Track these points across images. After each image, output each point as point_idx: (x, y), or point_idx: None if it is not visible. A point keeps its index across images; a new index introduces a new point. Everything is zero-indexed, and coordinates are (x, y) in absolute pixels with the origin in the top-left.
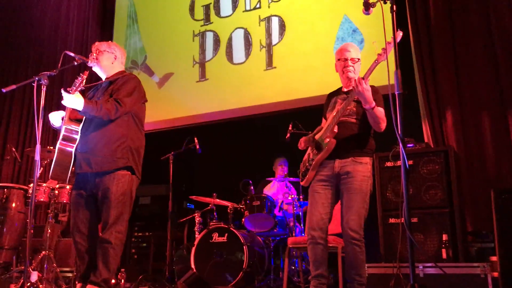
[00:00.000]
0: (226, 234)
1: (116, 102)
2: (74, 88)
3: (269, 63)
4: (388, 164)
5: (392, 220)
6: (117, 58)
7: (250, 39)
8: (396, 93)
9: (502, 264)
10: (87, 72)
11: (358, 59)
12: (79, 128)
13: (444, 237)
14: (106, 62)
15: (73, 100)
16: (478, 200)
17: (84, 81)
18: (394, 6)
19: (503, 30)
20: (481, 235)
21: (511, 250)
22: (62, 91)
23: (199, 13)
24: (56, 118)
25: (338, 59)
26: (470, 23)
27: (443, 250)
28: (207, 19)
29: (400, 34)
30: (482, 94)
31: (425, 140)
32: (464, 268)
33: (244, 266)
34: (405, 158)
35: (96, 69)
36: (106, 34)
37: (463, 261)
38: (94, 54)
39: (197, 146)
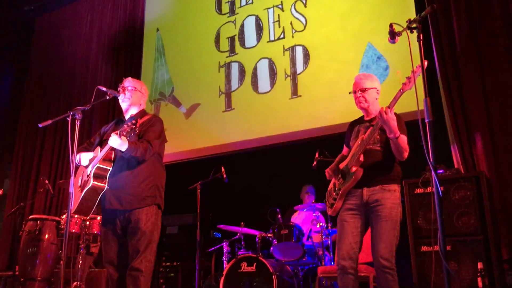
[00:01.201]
0: (255, 264)
1: (149, 143)
2: (125, 133)
3: (294, 92)
4: (418, 190)
5: (424, 248)
6: (145, 98)
7: (275, 69)
8: (427, 120)
9: None
10: (140, 121)
11: (373, 87)
12: (109, 167)
13: (479, 265)
14: (136, 100)
15: (121, 142)
16: None
17: (137, 129)
18: (421, 35)
19: None
20: None
21: None
22: (113, 134)
23: (224, 44)
24: (86, 158)
25: (352, 91)
26: (497, 47)
27: (479, 279)
28: (232, 50)
29: (425, 63)
30: None
31: (455, 166)
32: None
33: None
34: (438, 186)
35: (124, 104)
36: (134, 68)
37: None
38: (127, 92)
39: (224, 175)
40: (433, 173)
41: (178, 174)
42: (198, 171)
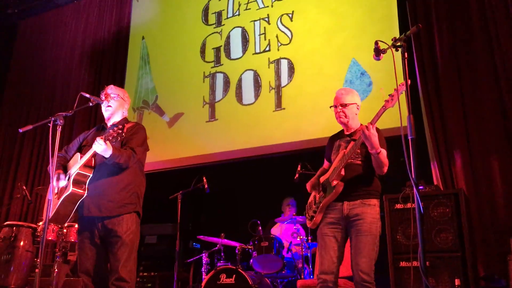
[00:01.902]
0: (234, 276)
1: (132, 151)
2: (111, 138)
3: (278, 104)
4: (398, 206)
5: (403, 264)
6: (127, 106)
7: (260, 81)
8: (410, 137)
9: None
10: (126, 126)
11: (353, 103)
12: (89, 174)
13: (457, 281)
14: (118, 108)
15: (105, 148)
16: (489, 244)
17: (124, 134)
18: (406, 54)
19: (509, 73)
20: (493, 280)
21: None
22: (98, 139)
23: (210, 55)
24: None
25: (333, 105)
26: (476, 66)
27: None
28: (217, 61)
29: (409, 82)
30: (490, 136)
31: (435, 183)
32: None
33: None
34: (420, 203)
35: (107, 112)
36: (118, 75)
37: None
38: (110, 99)
39: (206, 186)
40: (415, 189)
41: (159, 183)
42: (179, 181)
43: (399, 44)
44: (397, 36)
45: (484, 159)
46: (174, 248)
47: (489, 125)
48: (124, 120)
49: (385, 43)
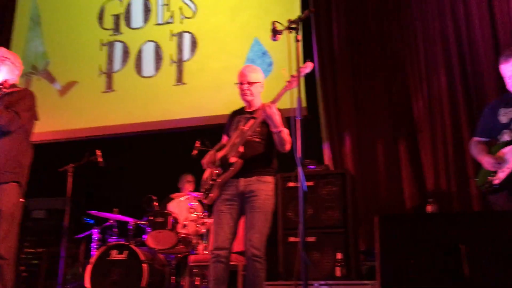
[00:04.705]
0: (126, 252)
1: (16, 114)
2: None
3: (179, 79)
4: (291, 184)
5: (291, 239)
6: (18, 73)
7: (161, 53)
8: (297, 118)
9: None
10: (7, 90)
11: (257, 81)
12: None
13: (338, 255)
14: (8, 74)
15: None
16: (371, 221)
17: (5, 89)
18: (298, 36)
19: (398, 63)
20: (372, 254)
21: (392, 275)
22: None
23: (109, 22)
24: None
25: (238, 82)
26: (369, 54)
27: (337, 268)
28: (116, 29)
29: (310, 65)
30: (377, 121)
31: (326, 163)
32: (355, 285)
33: (142, 285)
34: (304, 181)
35: None
36: (3, 36)
37: (355, 279)
38: None
39: (100, 159)
40: (299, 168)
41: (48, 155)
42: (71, 154)
43: (293, 26)
44: None
45: (371, 143)
46: (63, 223)
47: (377, 112)
48: (12, 86)
49: (282, 24)
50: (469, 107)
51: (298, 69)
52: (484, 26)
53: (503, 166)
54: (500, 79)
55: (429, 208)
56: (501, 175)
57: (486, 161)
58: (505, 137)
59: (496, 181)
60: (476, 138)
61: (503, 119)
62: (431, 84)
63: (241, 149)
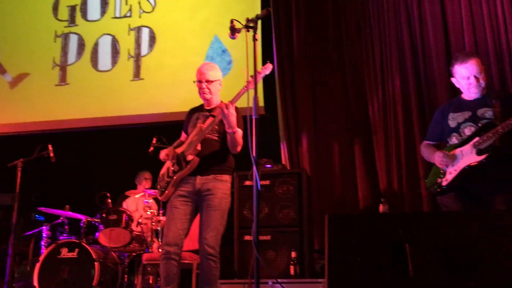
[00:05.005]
0: (77, 250)
1: None
2: None
3: (137, 74)
4: (247, 183)
5: (247, 238)
6: None
7: (118, 47)
8: (253, 117)
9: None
10: None
11: (216, 80)
12: None
13: (293, 254)
14: None
15: None
16: (325, 221)
17: None
18: (256, 35)
19: (354, 66)
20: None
21: (339, 273)
22: None
23: (64, 13)
24: None
25: (197, 81)
26: (327, 57)
27: (291, 267)
28: (72, 20)
29: (270, 66)
30: (334, 123)
31: (283, 162)
32: (308, 284)
33: (94, 284)
34: (258, 180)
35: None
36: None
37: (309, 277)
38: None
39: (51, 154)
40: (254, 167)
41: None
42: (21, 148)
43: (251, 25)
44: None
45: (327, 143)
46: (11, 220)
47: (334, 113)
48: None
49: (241, 22)
50: (421, 110)
51: (255, 68)
52: (437, 33)
53: (452, 165)
54: (450, 84)
55: (381, 208)
56: (449, 176)
57: (438, 156)
58: (454, 140)
59: (444, 183)
60: (427, 141)
61: (452, 123)
62: (386, 87)
63: (199, 147)
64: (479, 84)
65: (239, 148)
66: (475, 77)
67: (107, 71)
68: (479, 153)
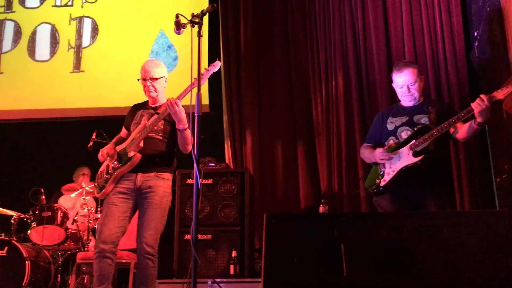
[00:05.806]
0: (6, 248)
1: None
2: None
3: (77, 66)
4: (189, 181)
5: (187, 236)
6: None
7: (58, 37)
8: (196, 114)
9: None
10: None
11: (161, 77)
12: None
13: (233, 253)
14: None
15: None
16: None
17: None
18: (201, 31)
19: (299, 68)
20: None
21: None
22: None
23: None
24: None
25: (141, 78)
26: (274, 56)
27: (231, 266)
28: (8, 6)
29: (218, 64)
30: (278, 122)
31: (226, 161)
32: (247, 283)
33: (24, 283)
34: (198, 178)
35: None
36: None
37: (249, 277)
38: None
39: None
40: (195, 166)
41: None
42: None
43: (196, 20)
44: None
45: (271, 143)
46: None
47: (279, 113)
48: None
49: (186, 18)
50: (362, 114)
51: (199, 65)
52: (379, 38)
53: (390, 166)
54: (391, 90)
55: (321, 209)
56: (387, 177)
57: (378, 151)
58: (391, 142)
59: (382, 183)
60: (366, 144)
61: (390, 126)
62: (329, 90)
63: (142, 144)
64: (410, 94)
65: (189, 147)
66: (408, 87)
67: (45, 61)
68: (415, 154)
